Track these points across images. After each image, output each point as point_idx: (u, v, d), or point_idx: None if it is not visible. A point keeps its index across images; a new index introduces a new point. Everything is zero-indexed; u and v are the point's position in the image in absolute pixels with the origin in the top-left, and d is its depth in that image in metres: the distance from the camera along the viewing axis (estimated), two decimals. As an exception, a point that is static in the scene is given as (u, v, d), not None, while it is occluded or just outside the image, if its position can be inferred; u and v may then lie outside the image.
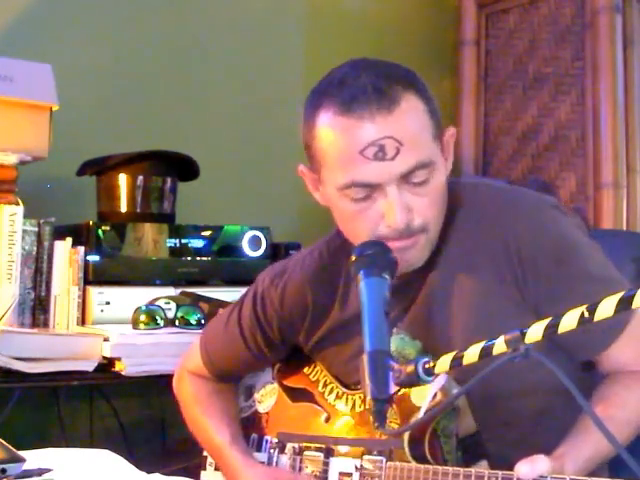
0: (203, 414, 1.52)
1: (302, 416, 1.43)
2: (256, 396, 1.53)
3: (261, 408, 1.51)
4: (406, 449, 1.19)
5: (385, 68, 1.25)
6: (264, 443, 1.47)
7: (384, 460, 1.23)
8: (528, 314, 1.22)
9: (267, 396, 1.51)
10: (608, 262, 1.29)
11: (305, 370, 1.47)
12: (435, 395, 1.15)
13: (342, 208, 1.25)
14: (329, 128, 1.22)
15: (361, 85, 1.20)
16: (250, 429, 1.51)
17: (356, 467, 1.27)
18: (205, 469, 1.56)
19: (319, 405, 1.41)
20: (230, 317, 1.50)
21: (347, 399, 1.37)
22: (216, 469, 1.52)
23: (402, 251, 1.23)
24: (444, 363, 1.05)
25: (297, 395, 1.46)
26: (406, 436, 1.19)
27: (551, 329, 0.95)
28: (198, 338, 1.58)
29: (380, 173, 1.19)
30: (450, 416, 1.19)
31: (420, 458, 1.18)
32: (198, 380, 1.56)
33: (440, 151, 1.25)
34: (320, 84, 1.28)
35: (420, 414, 1.15)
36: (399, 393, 1.22)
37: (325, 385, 1.42)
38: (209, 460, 1.55)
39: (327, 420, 1.38)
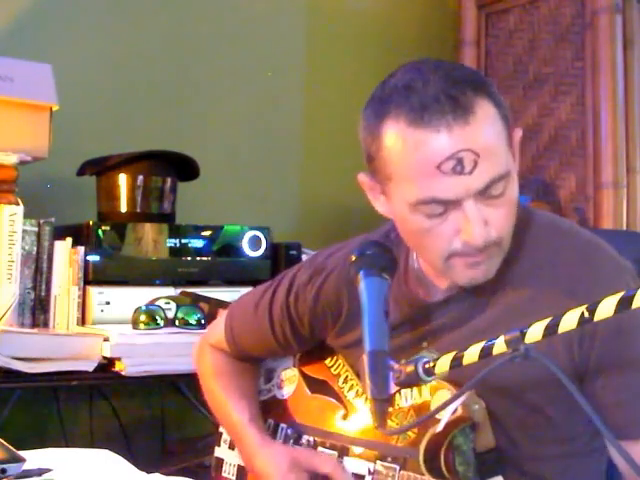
0: (223, 389, 1.49)
1: (320, 409, 1.41)
2: (276, 381, 1.51)
3: (280, 394, 1.50)
4: (421, 460, 1.17)
5: (453, 71, 1.15)
6: (280, 431, 1.46)
7: (397, 468, 1.21)
8: (573, 376, 1.17)
9: (287, 382, 1.49)
10: None
11: (327, 362, 1.45)
12: (456, 410, 1.13)
13: (413, 223, 1.17)
14: (399, 140, 1.13)
15: (432, 93, 1.11)
16: (267, 414, 1.49)
17: (369, 470, 1.26)
18: (219, 445, 1.54)
19: (338, 400, 1.39)
20: (261, 301, 1.46)
21: (366, 398, 1.36)
22: (230, 447, 1.51)
23: (474, 266, 1.17)
24: (444, 363, 1.05)
25: (316, 386, 1.44)
26: (422, 448, 1.17)
27: (551, 329, 0.95)
28: (224, 313, 1.54)
29: (458, 188, 1.11)
30: (464, 435, 1.17)
31: (435, 470, 1.17)
32: (219, 353, 1.53)
33: (512, 158, 1.18)
34: (382, 89, 1.19)
35: (439, 427, 1.13)
36: (419, 402, 1.21)
37: (346, 381, 1.40)
38: (224, 437, 1.53)
39: (344, 417, 1.36)
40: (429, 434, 1.15)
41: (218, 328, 1.53)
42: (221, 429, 1.54)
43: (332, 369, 1.44)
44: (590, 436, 1.25)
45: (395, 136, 1.13)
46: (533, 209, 1.32)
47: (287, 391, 1.49)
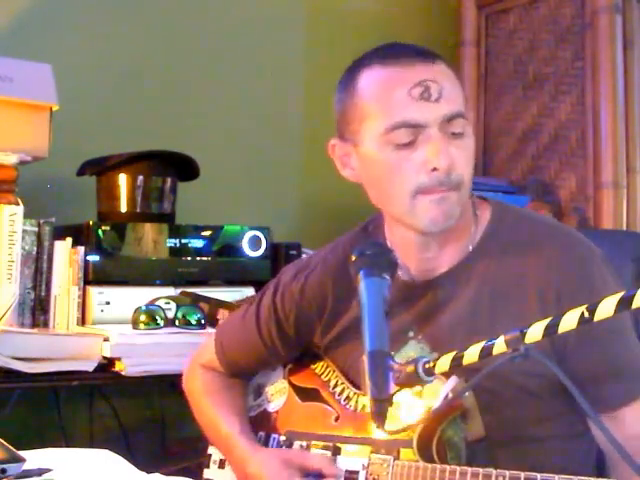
0: (212, 406, 1.52)
1: (311, 416, 1.42)
2: (266, 395, 1.52)
3: (270, 407, 1.51)
4: (415, 450, 1.18)
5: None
6: (271, 441, 1.46)
7: (392, 459, 1.22)
8: (551, 354, 1.22)
9: (277, 395, 1.51)
10: (633, 332, 1.30)
11: (316, 370, 1.47)
12: (447, 396, 1.15)
13: (383, 160, 1.25)
14: (374, 80, 1.27)
15: (401, 46, 1.31)
16: (258, 427, 1.50)
17: (363, 465, 1.27)
18: (209, 467, 1.55)
19: (329, 405, 1.40)
20: (248, 309, 1.51)
21: (357, 400, 1.36)
22: (220, 467, 1.52)
23: (438, 203, 1.24)
24: (444, 363, 1.05)
25: (307, 395, 1.46)
26: (415, 438, 1.18)
27: (551, 329, 0.95)
28: (214, 332, 1.59)
29: (426, 113, 1.22)
30: (455, 426, 1.18)
31: (427, 458, 1.18)
32: (209, 373, 1.56)
33: (469, 123, 1.29)
34: (353, 62, 1.34)
35: (431, 415, 1.15)
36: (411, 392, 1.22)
37: (336, 385, 1.41)
38: (213, 458, 1.54)
39: (336, 420, 1.37)
40: (421, 424, 1.17)
41: (208, 347, 1.57)
42: (210, 450, 1.55)
43: (322, 376, 1.46)
44: (577, 418, 1.27)
45: (369, 77, 1.28)
46: (510, 206, 1.38)
47: (277, 403, 1.50)
